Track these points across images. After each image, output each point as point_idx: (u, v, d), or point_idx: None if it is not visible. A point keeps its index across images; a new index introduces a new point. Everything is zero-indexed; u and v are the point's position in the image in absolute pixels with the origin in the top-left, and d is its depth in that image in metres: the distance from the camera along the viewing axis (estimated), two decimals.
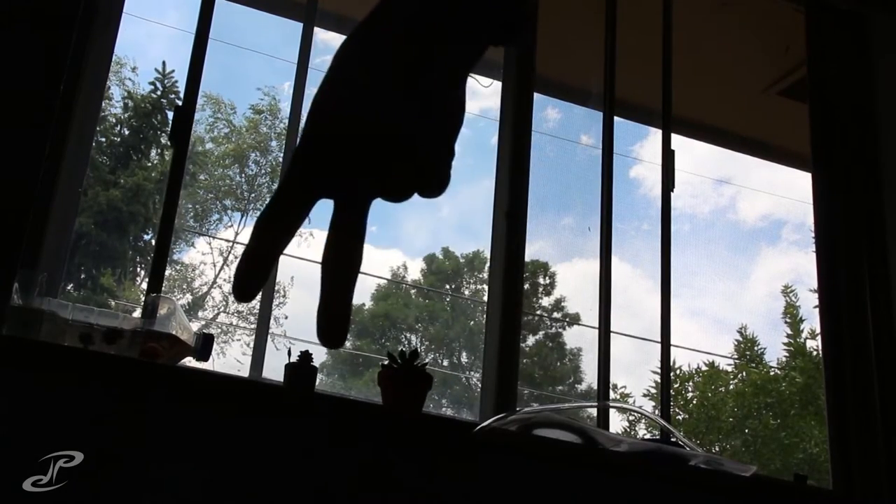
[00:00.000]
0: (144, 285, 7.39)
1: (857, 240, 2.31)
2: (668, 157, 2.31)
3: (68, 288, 7.59)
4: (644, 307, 7.32)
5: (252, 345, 1.99)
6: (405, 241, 12.21)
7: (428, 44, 0.45)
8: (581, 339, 9.26)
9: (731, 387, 9.27)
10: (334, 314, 0.45)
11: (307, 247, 7.42)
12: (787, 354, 9.26)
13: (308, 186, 0.45)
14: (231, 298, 9.11)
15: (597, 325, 2.10)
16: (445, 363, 9.79)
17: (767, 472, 6.63)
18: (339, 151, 0.45)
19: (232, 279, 0.45)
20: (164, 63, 8.79)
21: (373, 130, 0.44)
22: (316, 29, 2.15)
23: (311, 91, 1.86)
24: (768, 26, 2.77)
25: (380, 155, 0.45)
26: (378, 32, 0.45)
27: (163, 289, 1.78)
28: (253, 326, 8.04)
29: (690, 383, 9.13)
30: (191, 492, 1.24)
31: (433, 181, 0.46)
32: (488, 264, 2.12)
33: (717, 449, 8.64)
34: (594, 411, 2.16)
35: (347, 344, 9.32)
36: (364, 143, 0.45)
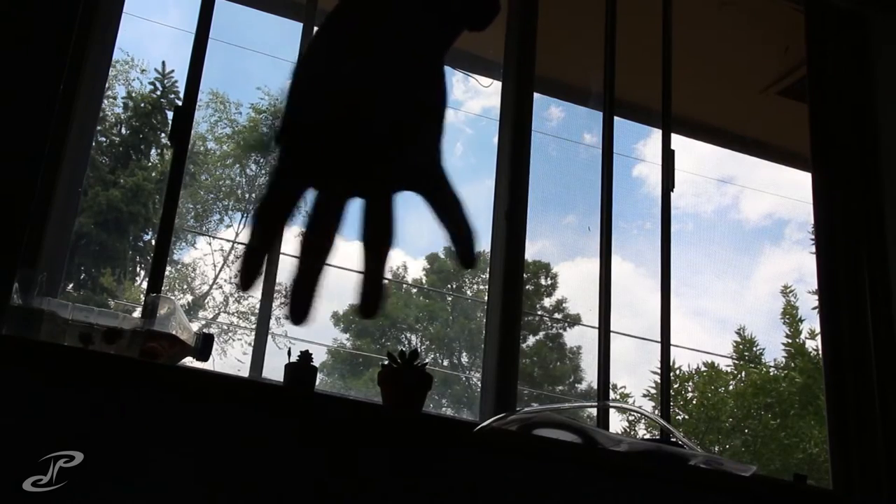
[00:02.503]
0: (144, 285, 7.39)
1: (857, 240, 2.30)
2: (667, 156, 2.32)
3: (68, 288, 7.59)
4: (646, 307, 7.32)
5: (252, 344, 1.99)
6: (407, 240, 12.20)
7: (401, 22, 0.45)
8: (582, 338, 9.26)
9: (731, 387, 9.27)
10: (301, 299, 0.46)
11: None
12: (785, 355, 9.26)
13: (299, 175, 0.46)
14: (231, 299, 9.12)
15: (597, 324, 2.10)
16: (445, 363, 9.79)
17: (767, 472, 6.63)
18: (327, 138, 0.45)
19: (236, 273, 0.46)
20: (163, 63, 8.79)
21: (353, 115, 0.45)
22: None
23: None
24: (768, 26, 2.77)
25: (362, 140, 0.45)
26: (349, 14, 0.46)
27: (163, 289, 1.78)
28: (253, 326, 8.04)
29: (690, 383, 9.13)
30: (191, 491, 1.24)
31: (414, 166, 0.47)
32: (488, 264, 2.12)
33: (717, 449, 8.64)
34: (594, 411, 2.16)
35: (347, 344, 9.32)
36: (347, 128, 0.45)
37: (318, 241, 0.46)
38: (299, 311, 0.46)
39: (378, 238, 0.47)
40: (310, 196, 0.46)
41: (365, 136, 0.45)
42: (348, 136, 0.45)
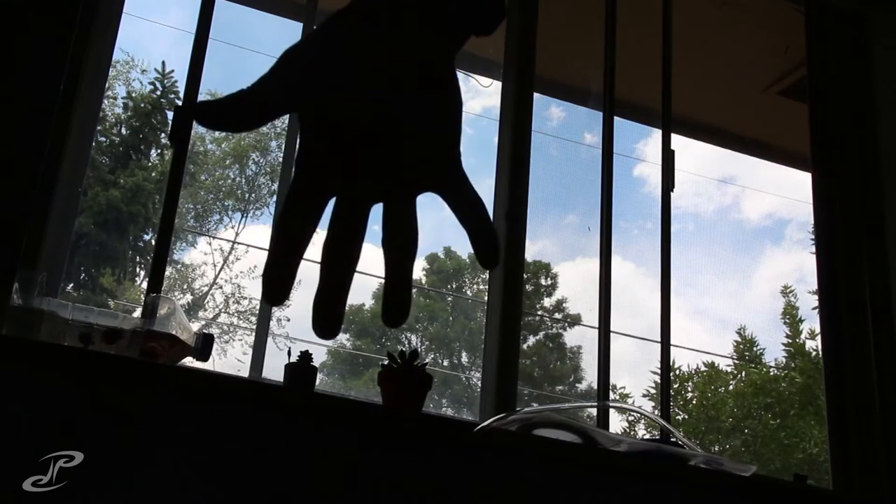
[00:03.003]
0: (144, 285, 7.39)
1: (857, 240, 2.30)
2: (667, 156, 2.32)
3: (68, 288, 7.59)
4: (647, 306, 7.31)
5: (252, 345, 1.99)
6: None
7: (410, 29, 0.45)
8: (582, 338, 9.26)
9: (731, 387, 9.26)
10: (329, 310, 0.45)
11: (310, 246, 7.40)
12: (785, 355, 9.26)
13: (320, 184, 0.44)
14: (231, 299, 9.12)
15: (597, 324, 2.10)
16: (445, 363, 9.78)
17: (767, 472, 6.63)
18: (344, 145, 0.44)
19: (261, 286, 0.44)
20: (163, 63, 8.79)
21: (373, 120, 0.44)
22: None
23: None
24: (768, 26, 2.77)
25: (383, 146, 0.45)
26: (357, 18, 0.45)
27: (163, 289, 1.78)
28: (253, 327, 8.04)
29: (690, 383, 9.13)
30: (191, 491, 1.24)
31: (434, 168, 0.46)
32: None
33: (717, 449, 8.63)
34: (594, 411, 2.16)
35: (347, 344, 9.32)
36: (367, 135, 0.44)
37: (343, 248, 0.45)
38: (328, 325, 0.44)
39: (400, 242, 0.46)
40: (331, 204, 0.45)
41: (383, 139, 0.44)
42: (366, 140, 0.44)
